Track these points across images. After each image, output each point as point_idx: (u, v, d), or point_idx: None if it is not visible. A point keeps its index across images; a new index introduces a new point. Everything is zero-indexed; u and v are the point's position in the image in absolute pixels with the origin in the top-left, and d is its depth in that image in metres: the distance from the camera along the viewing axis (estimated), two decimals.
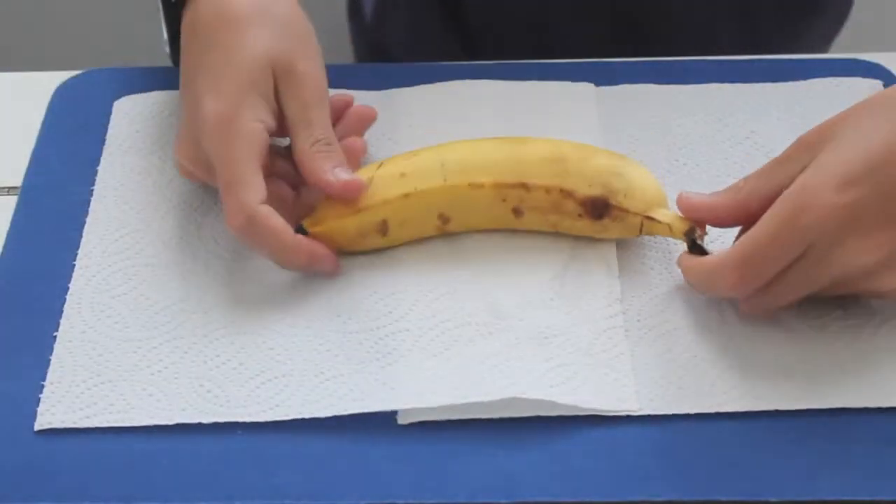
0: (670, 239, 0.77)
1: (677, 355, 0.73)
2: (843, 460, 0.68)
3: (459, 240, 0.78)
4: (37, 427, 0.70)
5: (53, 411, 0.70)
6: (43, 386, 0.72)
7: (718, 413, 0.70)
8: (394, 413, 0.70)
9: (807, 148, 0.71)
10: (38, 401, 0.71)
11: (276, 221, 0.73)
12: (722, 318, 0.74)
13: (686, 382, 0.71)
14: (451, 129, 0.84)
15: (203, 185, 0.80)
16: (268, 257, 0.75)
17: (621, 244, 0.78)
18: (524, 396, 0.70)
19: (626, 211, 0.75)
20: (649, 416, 0.70)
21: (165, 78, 0.89)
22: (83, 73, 0.90)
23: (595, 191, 0.75)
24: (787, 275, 0.70)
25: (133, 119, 0.86)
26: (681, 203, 0.75)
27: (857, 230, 0.68)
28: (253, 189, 0.73)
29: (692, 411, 0.70)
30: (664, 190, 0.77)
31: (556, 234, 0.78)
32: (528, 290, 0.75)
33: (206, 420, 0.70)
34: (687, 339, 0.73)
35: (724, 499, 0.67)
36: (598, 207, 0.75)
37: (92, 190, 0.82)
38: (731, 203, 0.73)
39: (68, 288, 0.76)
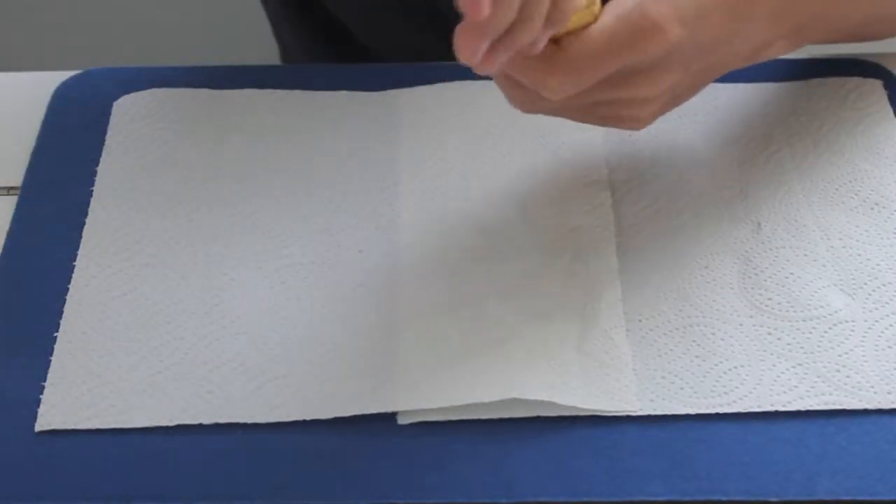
0: (671, 237, 0.78)
1: (677, 355, 0.73)
2: (843, 460, 0.68)
3: (460, 242, 0.78)
4: (37, 428, 0.70)
5: (54, 412, 0.70)
6: (43, 386, 0.72)
7: (718, 413, 0.70)
8: (394, 413, 0.70)
9: None
10: (38, 401, 0.71)
11: None
12: (723, 318, 0.74)
13: (686, 382, 0.71)
14: (452, 130, 0.84)
15: (200, 184, 0.80)
16: None
17: (622, 244, 0.78)
18: (524, 397, 0.70)
19: None
20: (649, 416, 0.70)
21: (165, 78, 0.89)
22: (83, 73, 0.90)
23: None
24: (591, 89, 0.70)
25: (133, 119, 0.86)
26: None
27: (665, 65, 0.71)
28: None
29: (692, 411, 0.70)
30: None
31: (558, 236, 0.78)
32: (528, 291, 0.75)
33: (206, 421, 0.70)
34: (687, 339, 0.73)
35: (724, 499, 0.67)
36: None
37: (92, 190, 0.82)
38: None
39: (68, 288, 0.76)
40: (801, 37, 0.80)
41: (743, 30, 0.75)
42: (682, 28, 0.70)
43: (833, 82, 0.87)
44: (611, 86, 0.71)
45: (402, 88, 0.87)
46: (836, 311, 0.74)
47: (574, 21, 0.69)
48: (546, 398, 0.70)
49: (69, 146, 0.85)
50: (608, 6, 0.70)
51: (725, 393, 0.71)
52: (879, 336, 0.73)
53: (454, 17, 0.64)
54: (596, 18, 0.69)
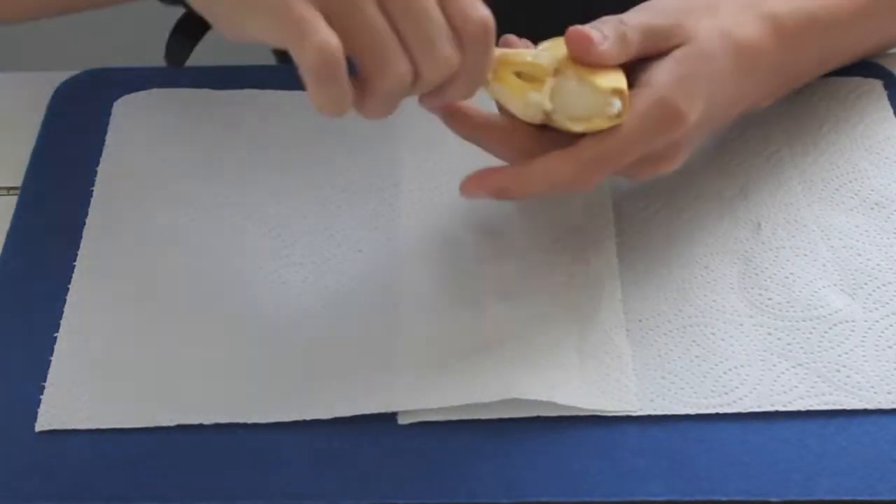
0: (671, 237, 0.78)
1: (677, 355, 0.73)
2: (843, 460, 0.68)
3: (460, 242, 0.78)
4: (38, 428, 0.70)
5: (54, 412, 0.70)
6: (43, 386, 0.72)
7: (718, 413, 0.70)
8: (394, 413, 0.70)
9: (669, 33, 0.74)
10: (38, 401, 0.71)
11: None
12: (723, 318, 0.74)
13: (686, 382, 0.71)
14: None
15: (201, 184, 0.80)
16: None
17: (622, 244, 0.78)
18: (524, 397, 0.70)
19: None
20: (649, 416, 0.70)
21: (165, 78, 0.89)
22: (83, 73, 0.90)
23: None
24: None
25: (133, 119, 0.86)
26: (575, 38, 0.71)
27: (684, 143, 0.74)
28: None
29: (692, 411, 0.70)
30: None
31: (558, 236, 0.78)
32: (528, 291, 0.75)
33: (206, 421, 0.70)
34: (687, 339, 0.73)
35: (724, 499, 0.67)
36: None
37: (92, 190, 0.82)
38: (622, 57, 0.72)
39: (68, 288, 0.76)
40: (797, 83, 0.83)
41: (745, 95, 0.78)
42: (699, 110, 0.72)
43: (833, 82, 0.87)
44: (632, 166, 0.73)
45: None
46: (836, 311, 0.74)
47: (602, 125, 0.71)
48: (546, 398, 0.70)
49: (69, 146, 0.85)
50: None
51: (725, 393, 0.71)
52: (879, 336, 0.73)
53: None
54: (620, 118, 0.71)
